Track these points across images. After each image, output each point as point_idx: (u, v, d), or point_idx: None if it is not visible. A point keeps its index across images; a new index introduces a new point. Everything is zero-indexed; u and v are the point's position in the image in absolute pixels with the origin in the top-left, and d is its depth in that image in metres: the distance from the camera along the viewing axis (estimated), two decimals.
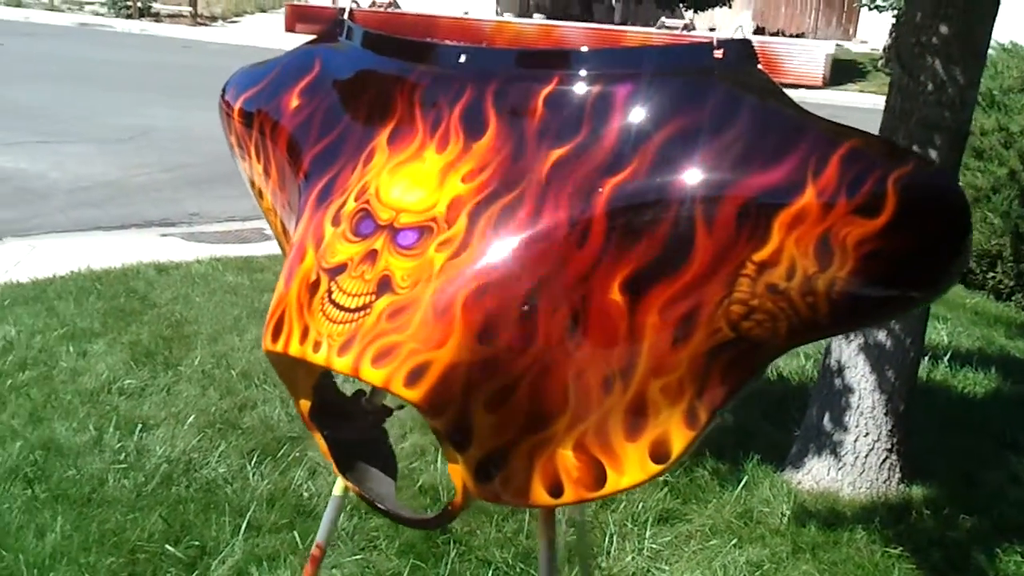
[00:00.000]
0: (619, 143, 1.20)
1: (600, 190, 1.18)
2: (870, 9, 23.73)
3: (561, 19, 22.22)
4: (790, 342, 1.20)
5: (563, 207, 1.19)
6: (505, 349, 1.18)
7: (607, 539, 2.84)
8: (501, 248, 1.19)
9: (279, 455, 3.17)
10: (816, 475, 3.25)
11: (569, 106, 1.24)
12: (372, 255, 1.25)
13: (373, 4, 1.73)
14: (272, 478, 3.03)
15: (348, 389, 1.63)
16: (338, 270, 1.26)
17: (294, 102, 1.50)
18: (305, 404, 1.43)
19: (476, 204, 1.23)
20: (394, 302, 1.20)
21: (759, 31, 21.83)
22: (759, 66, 1.22)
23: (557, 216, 1.19)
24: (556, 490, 1.27)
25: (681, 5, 21.69)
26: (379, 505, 1.44)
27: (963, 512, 3.11)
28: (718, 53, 1.21)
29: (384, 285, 1.21)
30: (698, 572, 2.72)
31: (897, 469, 3.23)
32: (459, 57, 1.34)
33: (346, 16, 1.58)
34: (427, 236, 1.23)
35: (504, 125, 1.27)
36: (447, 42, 1.46)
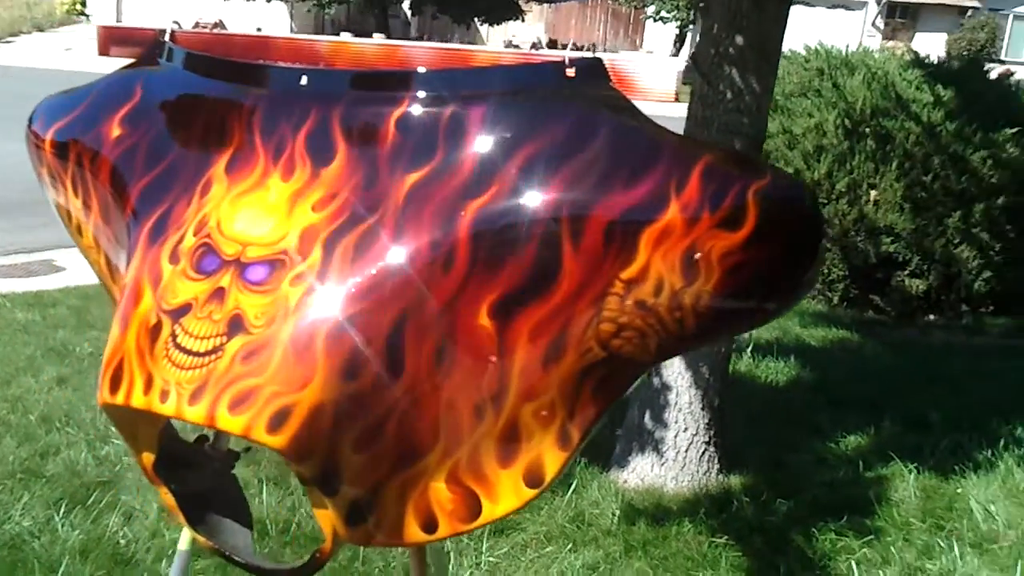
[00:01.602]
0: (477, 165, 1.16)
1: (462, 214, 1.14)
2: (655, 21, 24.88)
3: (358, 35, 22.10)
4: (659, 357, 1.20)
5: (424, 233, 1.14)
6: (371, 385, 1.13)
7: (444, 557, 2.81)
8: (361, 279, 1.13)
9: (89, 502, 2.97)
10: (640, 472, 3.34)
11: (421, 129, 1.20)
12: (219, 293, 1.16)
13: (197, 25, 1.64)
14: (84, 527, 2.83)
15: (188, 435, 1.53)
16: (181, 311, 1.17)
17: (115, 131, 1.39)
18: (148, 458, 1.31)
19: (330, 233, 1.16)
20: (248, 343, 1.11)
21: (552, 43, 22.40)
22: (611, 83, 1.21)
23: (419, 242, 1.14)
24: (430, 525, 1.22)
25: (476, 20, 22.02)
26: (236, 558, 1.34)
27: (779, 496, 3.26)
28: (570, 72, 1.20)
29: (235, 325, 1.13)
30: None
31: (716, 461, 3.36)
32: (300, 79, 1.27)
33: (167, 38, 1.48)
34: (279, 270, 1.15)
35: (354, 150, 1.21)
36: (285, 64, 1.40)
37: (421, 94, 1.21)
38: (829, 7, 28.43)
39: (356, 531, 1.20)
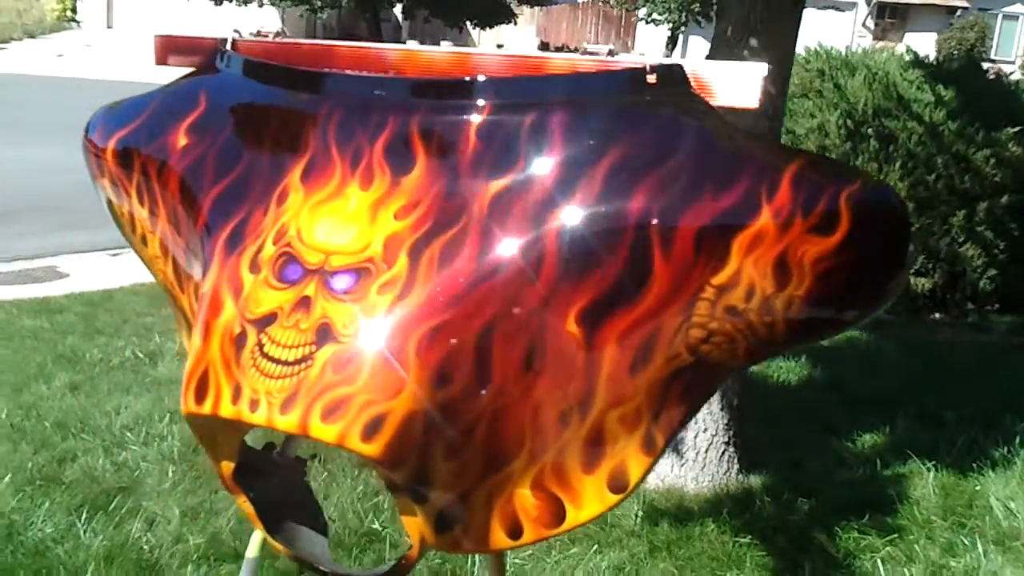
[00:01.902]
0: (562, 173, 1.15)
1: (550, 221, 1.13)
2: (647, 23, 24.91)
3: (348, 39, 22.01)
4: (747, 361, 1.20)
5: (511, 240, 1.13)
6: (461, 392, 1.12)
7: (469, 561, 2.80)
8: (449, 287, 1.12)
9: (110, 508, 2.95)
10: (660, 473, 3.33)
11: (503, 136, 1.19)
12: (305, 302, 1.15)
13: (258, 33, 1.62)
14: (107, 533, 2.81)
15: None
16: (266, 321, 1.16)
17: (182, 140, 1.37)
18: (228, 466, 1.30)
19: (415, 241, 1.15)
20: (338, 351, 1.10)
21: (543, 46, 22.42)
22: (691, 88, 1.21)
23: (506, 250, 1.13)
24: (515, 532, 1.21)
25: (468, 23, 22.02)
26: (319, 566, 1.33)
27: (799, 496, 3.26)
28: (651, 78, 1.19)
29: (324, 334, 1.12)
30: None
31: (735, 461, 3.36)
32: (376, 88, 1.27)
33: (229, 46, 1.47)
34: (365, 278, 1.14)
35: (434, 158, 1.20)
36: (358, 72, 1.39)
37: (503, 102, 1.20)
38: (820, 8, 28.48)
39: (444, 538, 1.19)
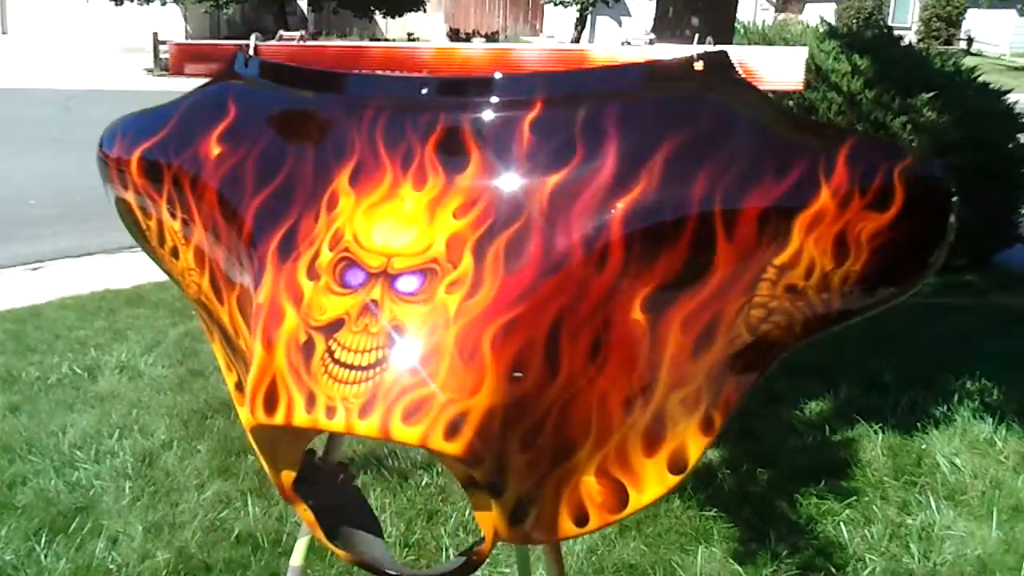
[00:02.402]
0: (620, 163, 1.16)
1: (613, 211, 1.14)
2: (555, 5, 24.99)
3: (254, 32, 21.77)
4: (803, 338, 1.23)
5: (575, 233, 1.14)
6: (533, 385, 1.13)
7: (443, 554, 2.80)
8: (517, 282, 1.13)
9: (70, 530, 2.88)
10: None
11: (558, 130, 1.20)
12: (373, 306, 1.14)
13: (280, 38, 1.59)
14: (69, 556, 2.74)
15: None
16: (334, 327, 1.15)
17: (215, 150, 1.35)
18: (288, 476, 1.28)
19: (478, 239, 1.16)
20: (413, 353, 1.11)
21: (453, 33, 22.36)
22: (739, 73, 1.23)
23: (571, 242, 1.14)
24: (582, 519, 1.23)
25: (376, 12, 21.83)
26: (382, 568, 1.32)
27: (758, 466, 3.34)
28: (698, 66, 1.22)
29: (396, 336, 1.12)
30: (539, 565, 2.74)
31: None
32: (422, 88, 1.26)
33: (252, 51, 1.45)
34: (432, 279, 1.14)
35: (488, 155, 1.20)
36: (405, 73, 1.38)
37: (554, 96, 1.21)
38: None
39: (517, 530, 1.20)
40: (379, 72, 1.36)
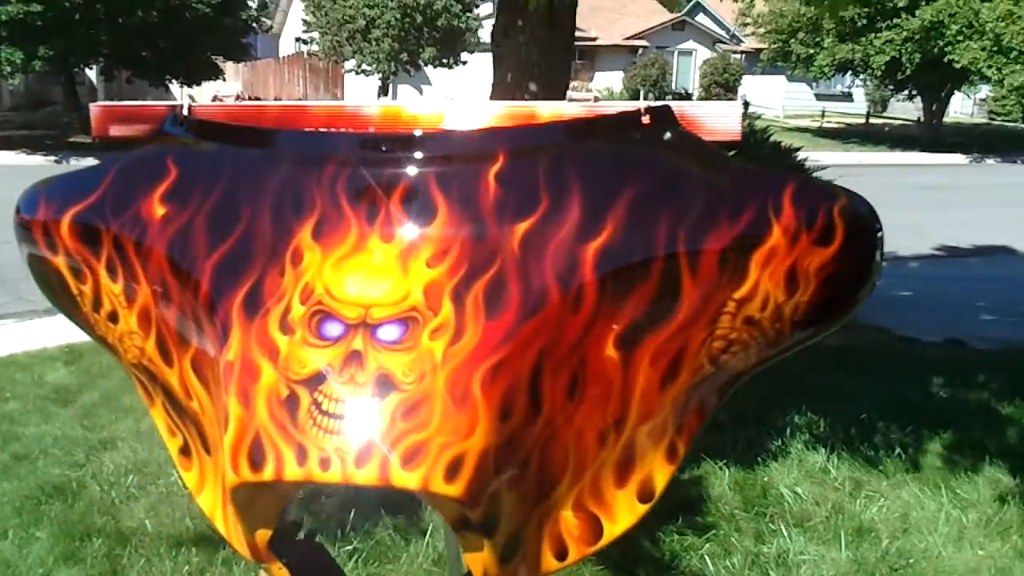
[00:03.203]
0: (585, 209, 1.22)
1: (584, 256, 1.19)
2: (356, 74, 25.11)
3: (41, 104, 20.78)
4: (756, 367, 1.30)
5: (550, 276, 1.18)
6: (519, 425, 1.16)
7: None
8: (500, 326, 1.16)
9: None
10: None
11: (521, 180, 1.24)
12: (356, 356, 1.15)
13: (214, 98, 1.55)
14: None
15: None
16: (317, 380, 1.14)
17: (159, 210, 1.32)
18: (264, 535, 1.24)
19: (455, 286, 1.18)
20: (404, 400, 1.11)
21: (255, 100, 22.05)
22: (680, 126, 1.31)
23: (547, 286, 1.18)
24: (562, 553, 1.25)
25: (172, 81, 21.29)
26: None
27: None
28: (646, 119, 1.29)
29: (384, 384, 1.12)
30: None
31: None
32: (385, 144, 1.28)
33: (186, 111, 1.43)
34: (414, 327, 1.16)
35: (455, 206, 1.23)
36: (363, 131, 1.39)
37: (516, 148, 1.26)
38: None
39: (506, 569, 1.20)
40: (342, 131, 1.36)
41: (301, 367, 1.15)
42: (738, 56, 34.91)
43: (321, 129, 1.38)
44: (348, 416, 1.11)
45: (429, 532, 3.22)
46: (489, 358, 1.14)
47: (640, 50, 34.20)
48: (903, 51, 23.29)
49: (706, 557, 3.13)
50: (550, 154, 1.26)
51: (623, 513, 1.27)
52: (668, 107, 1.31)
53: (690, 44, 35.77)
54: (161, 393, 1.40)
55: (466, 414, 1.11)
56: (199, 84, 20.95)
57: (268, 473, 1.12)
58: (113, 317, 1.40)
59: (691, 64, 35.36)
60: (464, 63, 25.02)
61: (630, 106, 1.32)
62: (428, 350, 1.14)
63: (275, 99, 20.79)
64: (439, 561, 3.08)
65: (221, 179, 1.33)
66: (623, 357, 1.23)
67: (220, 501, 1.37)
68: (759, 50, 29.95)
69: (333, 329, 1.17)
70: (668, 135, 1.30)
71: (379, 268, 1.21)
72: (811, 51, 25.45)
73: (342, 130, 1.36)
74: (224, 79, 22.54)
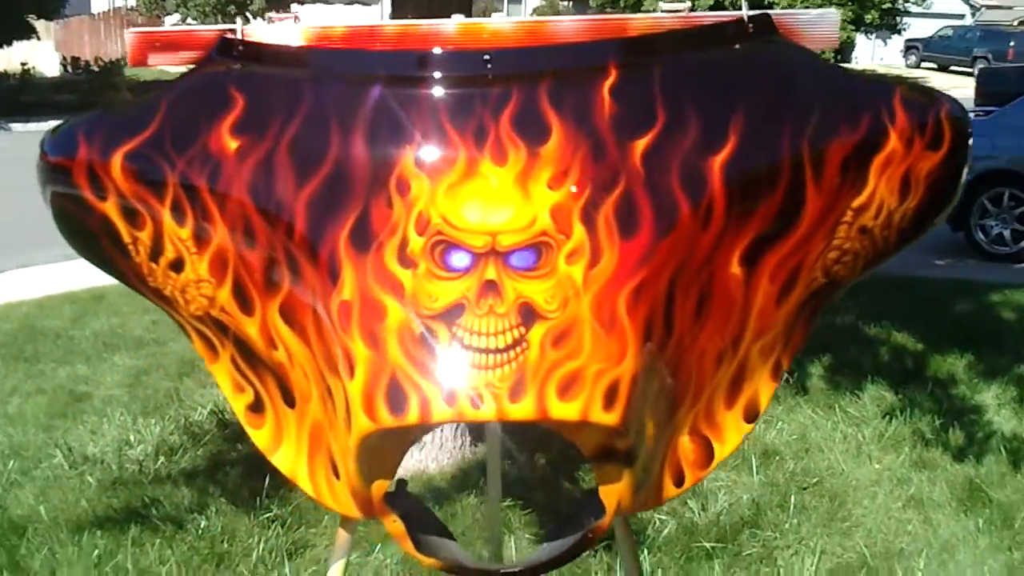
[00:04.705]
0: (705, 122, 1.19)
1: (711, 169, 1.16)
2: (175, 26, 23.97)
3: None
4: (860, 276, 1.31)
5: (678, 193, 1.15)
6: (657, 348, 1.13)
7: None
8: (636, 246, 1.12)
9: None
10: (403, 463, 3.33)
11: (637, 94, 1.20)
12: (491, 286, 1.09)
13: (270, 21, 1.39)
14: None
15: None
16: (453, 313, 1.08)
17: (231, 143, 1.21)
18: (381, 487, 1.18)
19: (583, 208, 1.13)
20: (551, 328, 1.07)
21: (74, 61, 20.77)
22: (779, 34, 1.30)
23: (677, 203, 1.15)
24: (679, 479, 1.25)
25: None
26: (472, 568, 1.28)
27: (532, 452, 3.42)
28: (750, 28, 1.27)
29: (528, 314, 1.08)
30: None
31: (467, 434, 3.45)
32: (487, 61, 1.21)
33: (240, 35, 1.31)
34: (548, 252, 1.11)
35: (570, 124, 1.18)
36: (461, 48, 1.31)
37: (627, 61, 1.22)
38: (347, 3, 29.31)
39: (637, 499, 1.19)
40: (441, 50, 1.28)
41: (432, 301, 1.11)
42: (566, 2, 35.14)
43: (424, 50, 1.30)
44: (493, 350, 1.07)
45: None
46: (630, 280, 1.12)
47: None
48: None
49: None
50: (662, 66, 1.23)
51: (731, 434, 1.28)
52: (768, 15, 1.29)
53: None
54: (232, 346, 1.33)
55: (616, 339, 1.09)
56: (9, 44, 19.56)
57: (412, 416, 1.07)
58: (177, 265, 1.30)
59: (522, 11, 35.44)
60: (296, 16, 24.26)
61: (730, 16, 1.30)
62: (567, 275, 1.11)
63: (95, 59, 19.69)
64: (364, 524, 3.01)
65: (300, 106, 1.24)
66: (746, 273, 1.23)
67: (304, 456, 1.30)
68: None
69: (460, 259, 1.12)
70: (772, 43, 1.29)
71: (497, 193, 1.16)
72: None
73: (435, 49, 1.28)
74: (39, 38, 21.15)
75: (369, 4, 30.64)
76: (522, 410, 1.06)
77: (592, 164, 1.17)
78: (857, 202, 1.25)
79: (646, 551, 2.76)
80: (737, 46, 1.28)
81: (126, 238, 1.30)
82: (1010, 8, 35.00)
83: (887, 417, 3.81)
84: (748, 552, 2.86)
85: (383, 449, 1.16)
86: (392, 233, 1.16)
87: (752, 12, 1.30)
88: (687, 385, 1.24)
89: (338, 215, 1.17)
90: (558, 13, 33.44)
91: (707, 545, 2.84)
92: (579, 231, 1.14)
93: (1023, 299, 5.75)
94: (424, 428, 1.15)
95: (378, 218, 1.17)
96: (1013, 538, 2.93)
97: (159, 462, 3.43)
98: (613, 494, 1.17)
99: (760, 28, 1.30)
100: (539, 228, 1.14)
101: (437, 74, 1.23)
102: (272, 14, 1.43)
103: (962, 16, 33.60)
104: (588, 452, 1.16)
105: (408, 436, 1.19)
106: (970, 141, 1.27)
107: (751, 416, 1.30)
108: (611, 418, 1.07)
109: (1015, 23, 31.96)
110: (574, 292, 1.10)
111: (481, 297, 1.10)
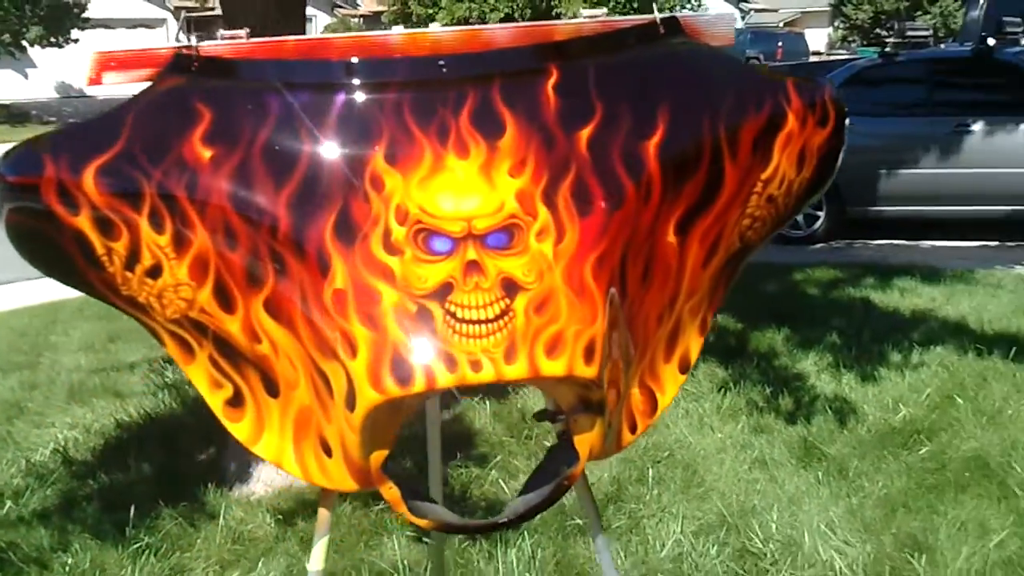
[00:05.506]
0: (636, 111, 1.35)
1: (646, 152, 1.33)
2: None
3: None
4: (764, 240, 1.50)
5: (622, 174, 1.31)
6: (616, 310, 1.28)
7: None
8: (593, 223, 1.27)
9: None
10: (267, 479, 3.31)
11: (576, 90, 1.35)
12: (474, 266, 1.24)
13: (221, 37, 1.44)
14: None
15: None
16: (443, 291, 1.22)
17: (205, 152, 1.28)
18: (379, 456, 1.28)
19: (543, 192, 1.28)
20: (532, 297, 1.22)
21: None
22: (686, 34, 1.47)
23: (622, 183, 1.31)
24: (632, 426, 1.41)
25: None
26: (459, 525, 1.50)
27: (402, 450, 3.47)
28: (661, 29, 1.45)
29: (510, 287, 1.23)
30: None
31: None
32: (445, 67, 1.34)
33: (194, 51, 1.38)
34: (519, 232, 1.26)
35: (522, 119, 1.32)
36: (417, 56, 1.45)
37: (565, 62, 1.37)
38: (129, 28, 28.26)
39: (604, 446, 1.34)
40: (402, 57, 1.44)
41: (423, 282, 1.23)
42: (357, 20, 35.12)
43: (388, 58, 1.45)
44: (484, 320, 1.22)
45: (222, 512, 3.10)
46: (592, 252, 1.28)
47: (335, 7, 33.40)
48: (515, 6, 24.60)
49: (497, 482, 3.28)
50: (595, 65, 1.39)
51: (670, 385, 1.46)
52: (676, 18, 1.47)
53: (309, 10, 35.46)
54: (210, 344, 1.39)
55: (587, 303, 1.25)
56: None
57: (418, 384, 1.19)
58: (154, 272, 1.35)
59: (313, 30, 35.10)
60: (76, 41, 23.24)
61: (643, 19, 1.48)
62: (539, 251, 1.26)
63: None
64: (239, 539, 2.99)
65: (268, 115, 1.32)
66: (680, 241, 1.40)
67: (290, 441, 1.36)
68: (378, 13, 30.33)
69: (442, 244, 1.25)
70: (680, 42, 1.46)
71: (464, 183, 1.29)
72: (430, 11, 26.18)
73: (397, 57, 1.42)
74: None
75: (154, 28, 29.63)
76: (517, 370, 1.21)
77: (545, 153, 1.32)
78: (765, 175, 1.44)
79: (526, 534, 2.87)
80: (654, 45, 1.45)
81: (100, 250, 1.34)
82: (776, 10, 37.59)
83: (722, 391, 4.08)
84: (616, 525, 3.02)
85: (385, 420, 1.26)
86: (375, 224, 1.27)
87: (662, 15, 1.47)
88: (637, 342, 1.40)
89: (319, 213, 1.28)
90: (349, 30, 33.38)
91: (579, 521, 2.97)
92: (543, 212, 1.28)
93: (823, 276, 6.27)
94: (425, 396, 1.27)
95: (358, 212, 1.27)
96: (849, 486, 3.22)
97: (7, 506, 3.27)
98: (586, 443, 1.32)
99: (670, 29, 1.47)
100: (508, 212, 1.28)
101: (399, 79, 1.35)
102: (222, 31, 1.49)
103: None
104: (566, 405, 1.31)
105: (409, 406, 1.30)
106: (847, 120, 1.48)
107: (684, 368, 1.48)
108: (591, 371, 1.23)
109: (781, 24, 34.36)
110: (547, 266, 1.25)
111: (467, 275, 1.24)
